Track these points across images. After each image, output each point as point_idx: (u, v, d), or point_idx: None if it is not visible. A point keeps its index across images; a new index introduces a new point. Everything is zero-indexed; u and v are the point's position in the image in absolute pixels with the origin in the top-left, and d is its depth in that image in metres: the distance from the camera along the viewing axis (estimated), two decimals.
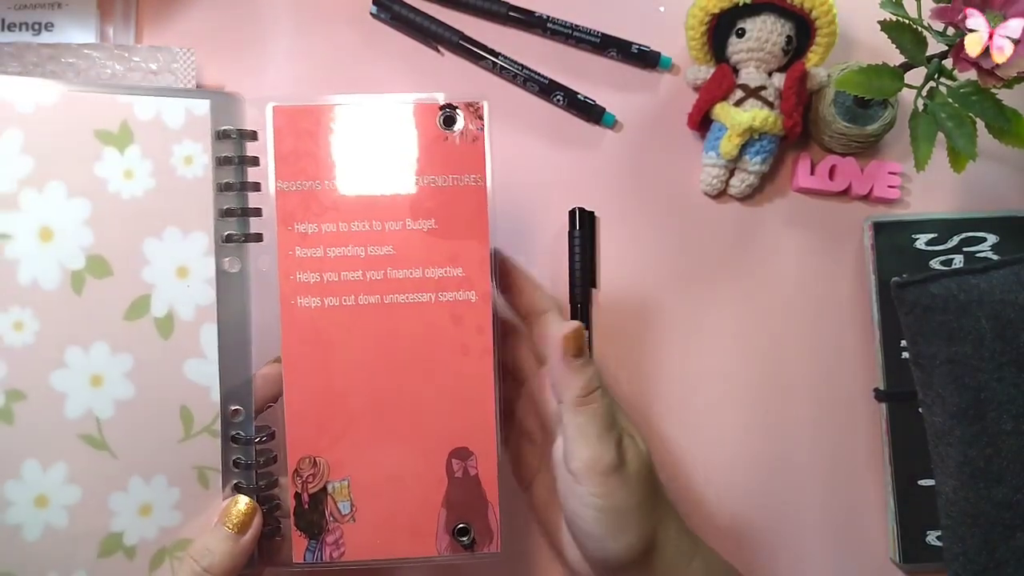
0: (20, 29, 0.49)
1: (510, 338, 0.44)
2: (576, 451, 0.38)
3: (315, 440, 0.39)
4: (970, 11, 0.40)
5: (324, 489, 0.39)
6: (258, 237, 0.39)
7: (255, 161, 0.39)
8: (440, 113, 0.39)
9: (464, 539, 0.39)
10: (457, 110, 0.39)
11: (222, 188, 0.38)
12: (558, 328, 0.39)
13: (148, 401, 0.37)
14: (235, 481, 0.38)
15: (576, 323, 0.39)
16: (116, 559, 0.37)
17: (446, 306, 0.39)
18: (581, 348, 0.39)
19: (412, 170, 0.39)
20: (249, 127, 0.39)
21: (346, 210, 0.39)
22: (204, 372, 0.38)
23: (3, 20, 0.50)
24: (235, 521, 0.37)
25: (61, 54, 0.47)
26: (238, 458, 0.38)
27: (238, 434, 0.38)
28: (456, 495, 0.39)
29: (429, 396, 0.39)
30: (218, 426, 0.38)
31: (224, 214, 0.38)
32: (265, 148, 0.39)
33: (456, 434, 0.39)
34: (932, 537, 0.49)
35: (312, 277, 0.38)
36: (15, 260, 0.36)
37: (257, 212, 0.39)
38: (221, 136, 0.38)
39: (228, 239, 0.38)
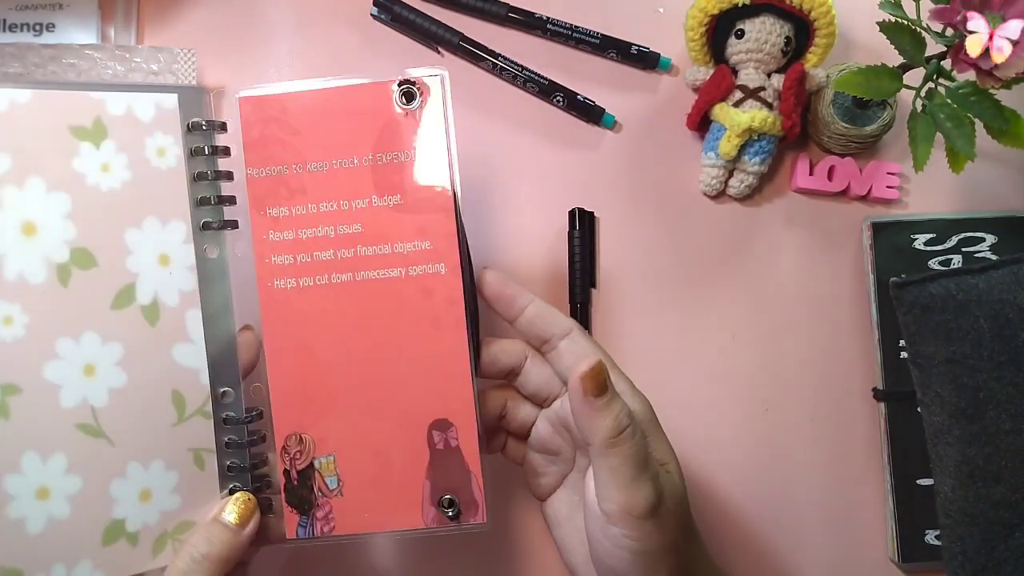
0: (21, 30, 0.49)
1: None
2: (610, 494, 0.36)
3: (300, 417, 0.39)
4: (971, 14, 0.41)
5: (311, 465, 0.39)
6: (234, 224, 0.40)
7: (226, 151, 0.40)
8: (398, 89, 0.39)
9: (450, 510, 0.39)
10: (415, 86, 0.39)
11: (196, 178, 0.39)
12: (576, 362, 0.36)
13: (141, 387, 0.38)
14: (231, 484, 0.39)
15: (594, 360, 0.36)
16: (119, 546, 0.37)
17: (416, 280, 0.39)
18: (602, 385, 0.36)
19: (374, 147, 0.39)
20: (223, 118, 0.40)
21: (314, 192, 0.39)
22: (192, 356, 0.39)
23: (4, 21, 0.50)
24: (237, 513, 0.38)
25: (62, 55, 0.47)
26: (230, 438, 0.39)
27: (229, 415, 0.39)
28: (439, 467, 0.39)
29: (405, 370, 0.39)
30: (210, 408, 0.39)
31: (200, 203, 0.39)
32: (236, 138, 0.40)
33: (434, 406, 0.39)
34: (931, 536, 0.49)
35: (286, 259, 0.39)
36: (1, 256, 0.36)
37: (232, 200, 0.40)
38: (192, 128, 0.39)
39: (205, 227, 0.39)
